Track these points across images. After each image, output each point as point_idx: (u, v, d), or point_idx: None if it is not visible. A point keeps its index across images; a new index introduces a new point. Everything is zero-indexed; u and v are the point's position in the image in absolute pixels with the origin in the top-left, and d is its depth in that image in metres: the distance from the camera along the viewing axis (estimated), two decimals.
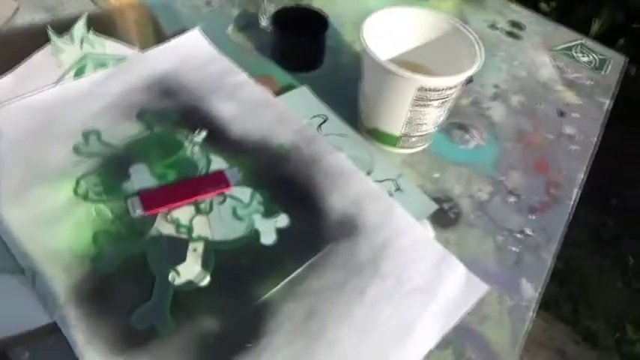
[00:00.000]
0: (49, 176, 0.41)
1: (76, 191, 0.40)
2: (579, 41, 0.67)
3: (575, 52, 0.66)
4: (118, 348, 0.33)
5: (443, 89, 0.42)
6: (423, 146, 0.49)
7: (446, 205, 0.46)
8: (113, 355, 0.32)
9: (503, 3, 0.72)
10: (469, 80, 0.54)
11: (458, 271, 0.40)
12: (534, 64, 0.63)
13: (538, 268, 0.42)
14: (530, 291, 0.41)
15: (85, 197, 0.40)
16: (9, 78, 0.48)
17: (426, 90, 0.42)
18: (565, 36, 0.68)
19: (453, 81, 0.42)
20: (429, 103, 0.43)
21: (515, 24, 0.69)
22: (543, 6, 1.34)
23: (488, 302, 0.40)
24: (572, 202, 0.48)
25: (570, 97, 0.59)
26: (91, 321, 0.33)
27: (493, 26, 0.68)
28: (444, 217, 0.45)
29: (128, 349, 0.33)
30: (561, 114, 0.57)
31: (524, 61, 0.63)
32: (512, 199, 0.47)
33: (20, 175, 0.41)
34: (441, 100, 0.43)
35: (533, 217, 0.46)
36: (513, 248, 0.43)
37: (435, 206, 0.44)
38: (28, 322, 0.33)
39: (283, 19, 0.54)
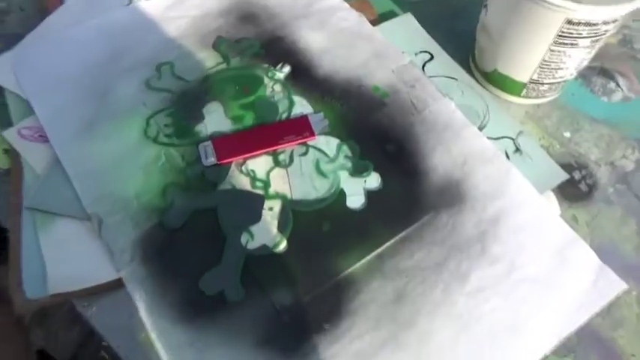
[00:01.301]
0: (118, 114, 0.37)
1: (145, 132, 0.36)
2: None
3: None
4: (185, 314, 0.29)
5: (598, 23, 0.32)
6: (553, 96, 0.39)
7: (577, 175, 0.36)
8: (180, 323, 0.29)
9: None
10: None
11: (588, 261, 0.32)
12: None
13: None
14: None
15: (155, 140, 0.36)
16: None
17: (574, 24, 0.32)
18: None
19: (615, 12, 0.31)
20: (575, 41, 0.33)
21: None
22: None
23: (625, 303, 0.32)
24: None
25: None
26: (158, 282, 0.30)
27: None
28: (574, 188, 0.36)
29: (195, 317, 0.29)
30: None
31: None
32: None
33: (90, 108, 0.37)
34: (593, 39, 0.33)
35: None
36: None
37: (564, 175, 0.36)
38: (97, 274, 0.31)
39: None
